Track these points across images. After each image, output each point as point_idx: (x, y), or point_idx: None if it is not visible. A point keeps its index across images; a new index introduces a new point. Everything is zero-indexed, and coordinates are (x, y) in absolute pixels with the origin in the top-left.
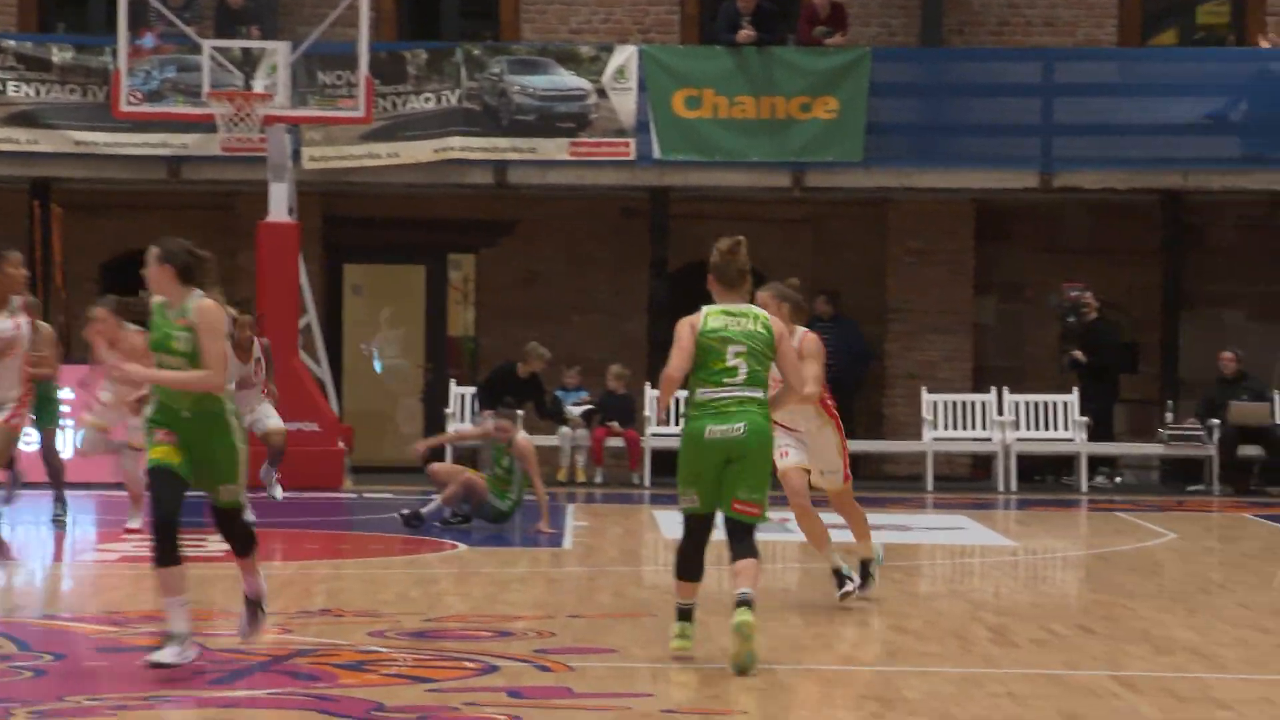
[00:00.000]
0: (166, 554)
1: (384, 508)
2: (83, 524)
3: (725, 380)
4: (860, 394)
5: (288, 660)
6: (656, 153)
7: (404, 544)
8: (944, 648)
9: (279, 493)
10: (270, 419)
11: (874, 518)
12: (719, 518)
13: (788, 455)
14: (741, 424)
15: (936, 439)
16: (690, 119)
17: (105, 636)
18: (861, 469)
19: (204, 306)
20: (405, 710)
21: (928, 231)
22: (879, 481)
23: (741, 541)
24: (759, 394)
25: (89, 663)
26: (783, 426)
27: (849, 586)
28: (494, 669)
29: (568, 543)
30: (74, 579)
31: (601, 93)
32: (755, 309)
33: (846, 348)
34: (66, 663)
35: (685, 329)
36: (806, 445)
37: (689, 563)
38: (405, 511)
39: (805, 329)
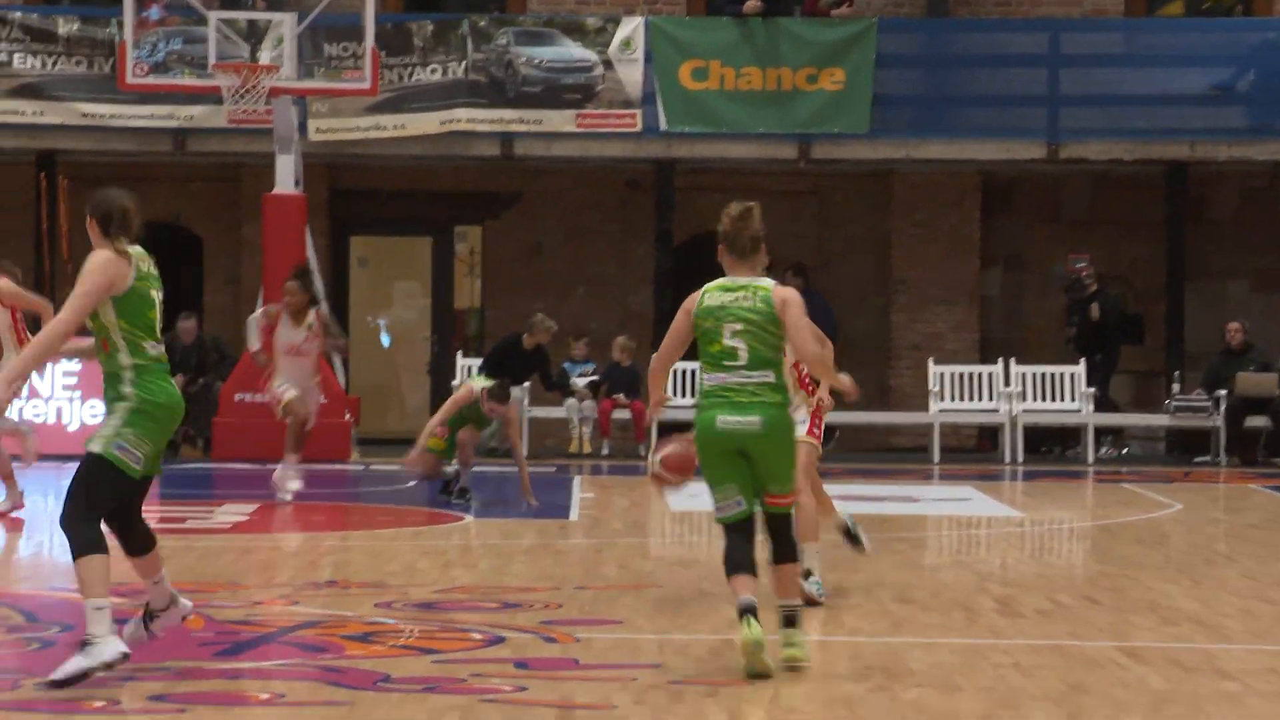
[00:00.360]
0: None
1: (391, 480)
2: None
3: (726, 363)
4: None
5: (295, 632)
6: (663, 124)
7: (411, 516)
8: (949, 619)
9: (292, 486)
10: (311, 404)
11: (881, 489)
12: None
13: None
14: (757, 417)
15: (943, 410)
16: (696, 90)
17: (113, 608)
18: (867, 441)
19: (92, 254)
20: (412, 681)
21: (933, 203)
22: (885, 453)
23: (781, 538)
24: (770, 378)
25: None
26: None
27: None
28: (500, 640)
29: (574, 515)
30: None
31: (608, 64)
32: (759, 281)
33: (815, 323)
34: (74, 634)
35: (681, 311)
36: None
37: (736, 560)
38: (451, 493)
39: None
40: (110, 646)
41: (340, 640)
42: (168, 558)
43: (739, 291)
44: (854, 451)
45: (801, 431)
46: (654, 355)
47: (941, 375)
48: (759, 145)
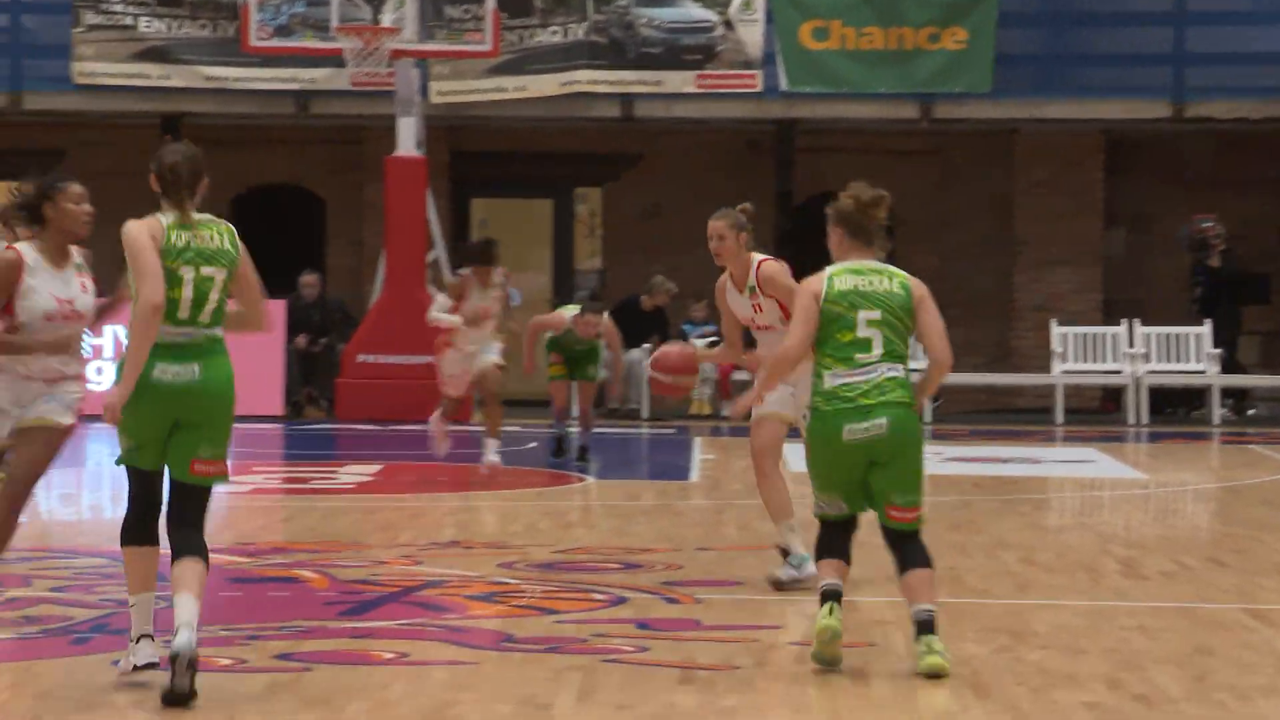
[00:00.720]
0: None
1: (512, 440)
2: None
3: (858, 357)
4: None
5: (418, 591)
6: (784, 85)
7: (532, 477)
8: (1073, 580)
9: (493, 458)
10: (489, 354)
11: (1003, 450)
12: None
13: (765, 403)
14: (884, 419)
15: (1066, 372)
16: (817, 50)
17: (238, 567)
18: (989, 402)
19: (125, 226)
20: (535, 641)
21: (1055, 163)
22: (1007, 414)
23: (907, 544)
24: (898, 372)
25: (223, 593)
26: None
27: (788, 574)
28: (622, 601)
29: (694, 476)
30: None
31: (728, 24)
32: (891, 268)
33: None
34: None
35: (808, 297)
36: (795, 394)
37: (829, 546)
38: (576, 453)
39: (763, 256)
40: (138, 653)
41: (463, 600)
42: (291, 518)
43: (872, 275)
44: (975, 413)
45: (783, 406)
46: (787, 344)
47: (1064, 336)
48: (880, 105)
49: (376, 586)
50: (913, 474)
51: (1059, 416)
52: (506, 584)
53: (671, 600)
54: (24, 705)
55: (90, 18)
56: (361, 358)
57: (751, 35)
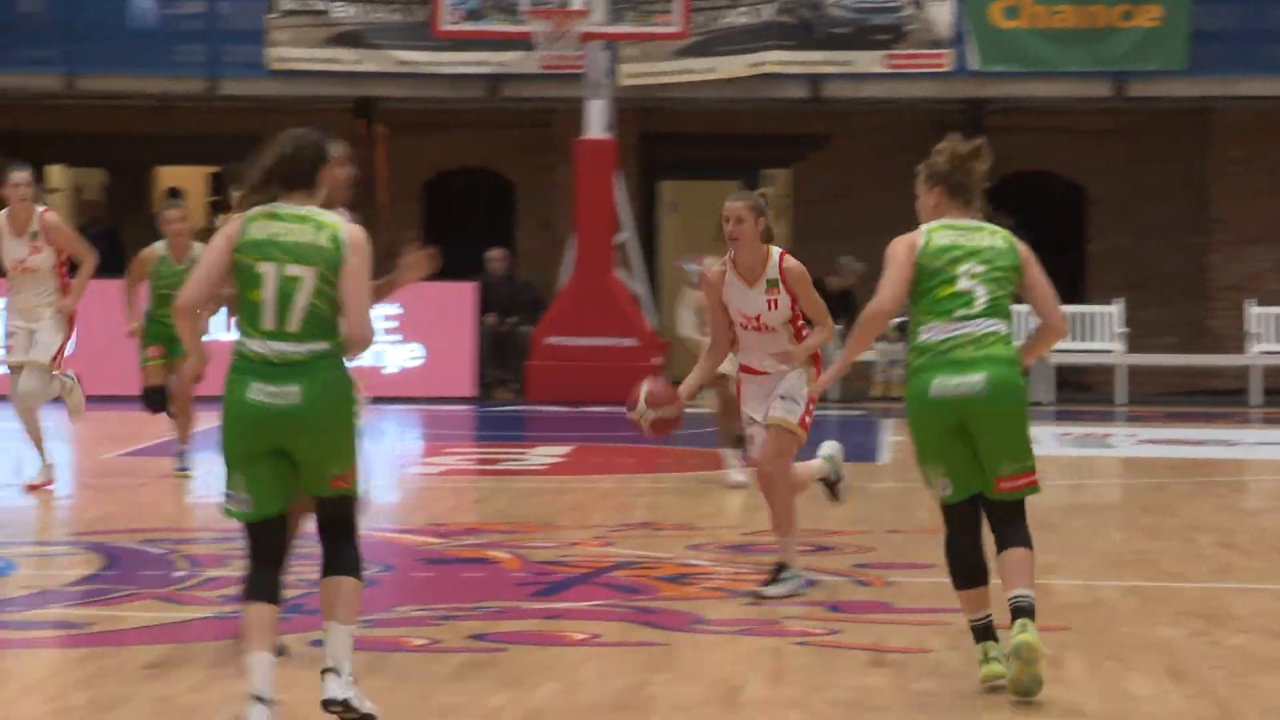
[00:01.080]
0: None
1: (701, 423)
2: (409, 438)
3: (958, 311)
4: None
5: (608, 573)
6: (974, 64)
7: (720, 459)
8: (1272, 564)
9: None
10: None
11: (1196, 433)
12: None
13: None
14: (980, 375)
15: (1263, 352)
16: (1008, 29)
17: (430, 548)
18: (1183, 384)
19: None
20: (726, 623)
21: (1252, 140)
22: (1202, 396)
23: (1010, 525)
24: (1002, 328)
25: (416, 574)
26: (751, 371)
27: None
28: (813, 583)
29: (883, 458)
30: (400, 492)
31: (917, 4)
32: (993, 225)
33: None
34: (395, 574)
35: (902, 249)
36: (776, 390)
37: (964, 566)
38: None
39: (782, 249)
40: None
41: (654, 581)
42: (483, 499)
43: (974, 232)
44: (1169, 395)
45: (790, 415)
46: (874, 302)
47: (1261, 316)
48: (1071, 84)
49: (567, 568)
50: (1018, 437)
51: (1255, 398)
52: (697, 565)
53: (862, 583)
54: (224, 685)
55: (284, 4)
56: (550, 340)
57: (940, 14)
